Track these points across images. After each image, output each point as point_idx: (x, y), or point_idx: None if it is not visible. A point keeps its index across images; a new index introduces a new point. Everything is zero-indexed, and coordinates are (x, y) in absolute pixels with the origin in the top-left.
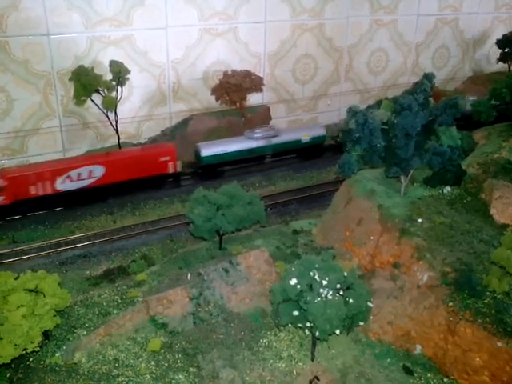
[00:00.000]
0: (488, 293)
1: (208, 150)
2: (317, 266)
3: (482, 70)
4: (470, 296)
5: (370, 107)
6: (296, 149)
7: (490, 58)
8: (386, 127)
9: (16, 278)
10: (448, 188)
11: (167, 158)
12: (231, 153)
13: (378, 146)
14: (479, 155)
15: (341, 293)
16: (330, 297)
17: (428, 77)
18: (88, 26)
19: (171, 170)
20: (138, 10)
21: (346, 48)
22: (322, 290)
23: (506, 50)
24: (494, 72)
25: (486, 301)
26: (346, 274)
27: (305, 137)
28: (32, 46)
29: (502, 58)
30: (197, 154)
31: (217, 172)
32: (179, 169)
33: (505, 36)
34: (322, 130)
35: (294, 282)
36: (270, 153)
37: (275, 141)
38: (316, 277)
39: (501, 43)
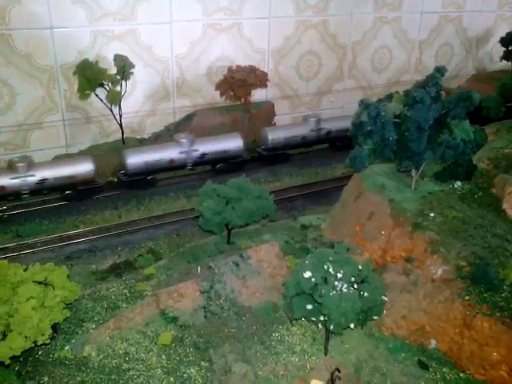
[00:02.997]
0: (505, 286)
1: None
2: (331, 258)
3: (485, 68)
4: (486, 289)
5: (380, 101)
6: None
7: (493, 56)
8: (399, 120)
9: (25, 270)
10: (459, 183)
11: None
12: None
13: (391, 139)
14: (489, 150)
15: (355, 286)
16: (344, 290)
17: (440, 70)
18: (92, 19)
19: None
20: (143, 4)
21: (350, 45)
22: (336, 283)
23: (510, 48)
24: (497, 70)
25: (503, 294)
26: (360, 267)
27: None
28: (35, 39)
29: (506, 56)
30: None
31: None
32: None
33: (508, 34)
34: None
35: (308, 275)
36: None
37: None
38: (330, 270)
39: (504, 41)
